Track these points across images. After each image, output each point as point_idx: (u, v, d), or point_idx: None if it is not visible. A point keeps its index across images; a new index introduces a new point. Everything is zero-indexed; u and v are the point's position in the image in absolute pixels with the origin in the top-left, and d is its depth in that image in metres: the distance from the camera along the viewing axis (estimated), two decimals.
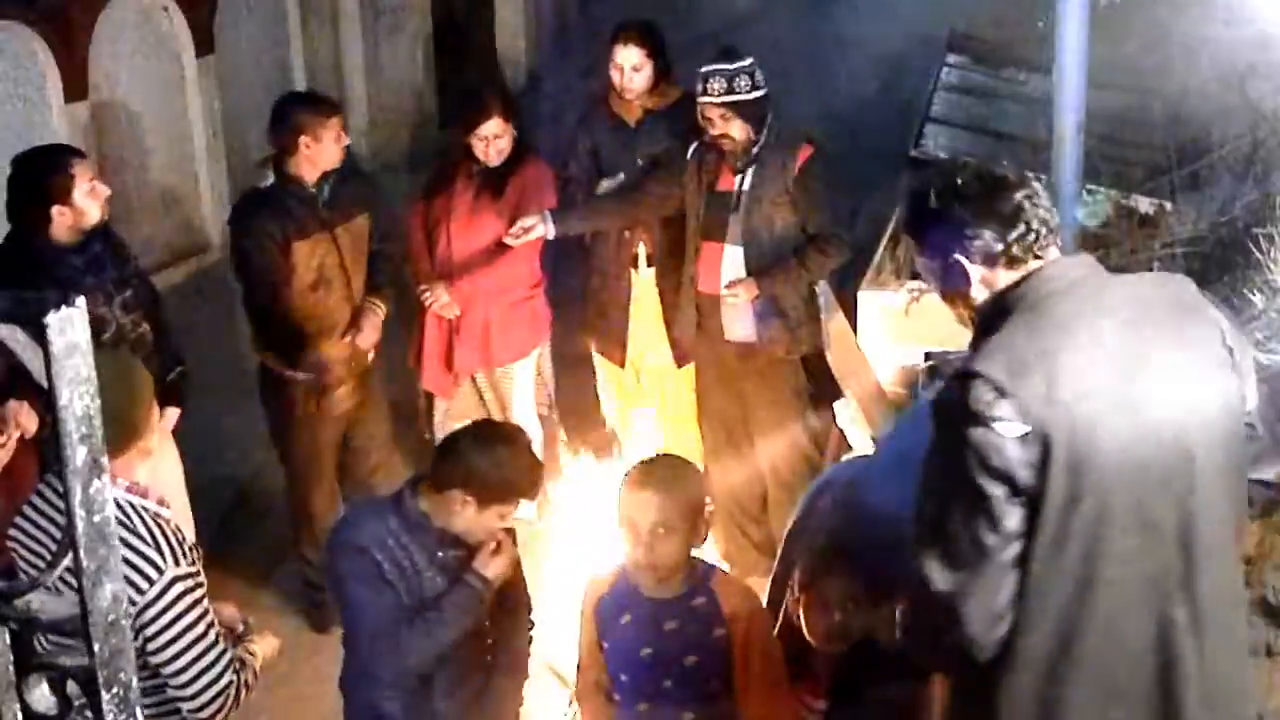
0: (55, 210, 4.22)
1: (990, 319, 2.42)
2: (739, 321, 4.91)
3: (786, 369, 5.00)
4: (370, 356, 4.99)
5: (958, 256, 2.46)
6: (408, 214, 5.43)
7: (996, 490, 2.24)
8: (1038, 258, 2.45)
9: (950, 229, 2.46)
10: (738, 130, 4.73)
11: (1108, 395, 2.29)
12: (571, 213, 5.15)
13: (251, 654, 3.05)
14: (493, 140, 5.09)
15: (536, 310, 5.45)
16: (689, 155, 4.92)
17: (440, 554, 3.28)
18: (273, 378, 4.90)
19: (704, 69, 4.74)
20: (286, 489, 5.08)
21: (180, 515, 4.86)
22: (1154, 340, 2.37)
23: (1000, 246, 2.43)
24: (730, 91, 4.68)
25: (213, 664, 2.82)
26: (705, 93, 4.72)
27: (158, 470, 4.75)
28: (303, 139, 4.65)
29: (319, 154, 4.69)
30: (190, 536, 4.84)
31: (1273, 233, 4.52)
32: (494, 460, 3.19)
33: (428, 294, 5.17)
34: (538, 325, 5.48)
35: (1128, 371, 2.32)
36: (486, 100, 5.21)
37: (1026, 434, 2.23)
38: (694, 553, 3.19)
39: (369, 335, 4.86)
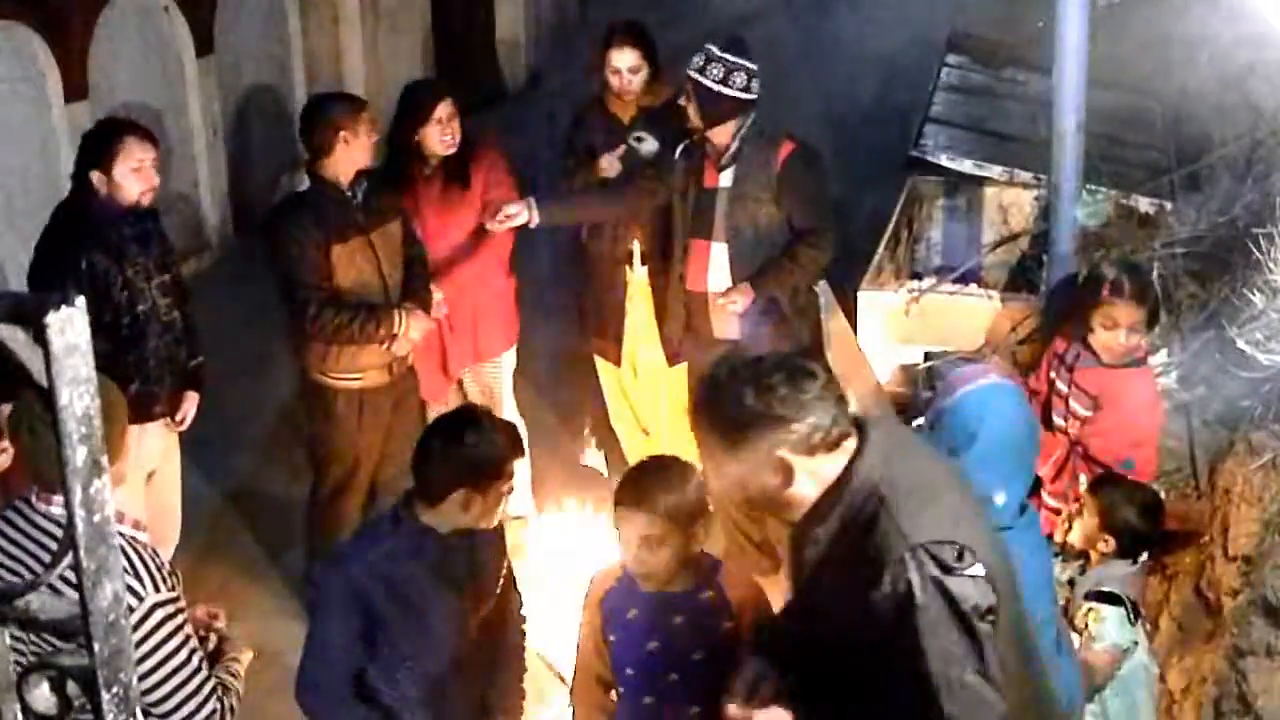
0: (95, 176, 4.37)
1: (862, 498, 2.41)
2: (728, 321, 4.92)
3: None
4: (410, 360, 4.96)
5: (783, 453, 2.38)
6: None
7: (987, 627, 2.37)
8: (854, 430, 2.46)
9: (772, 425, 2.37)
10: (693, 112, 4.75)
11: (972, 509, 2.54)
12: (556, 201, 5.13)
13: (234, 674, 3.00)
14: (448, 122, 5.00)
15: (512, 299, 5.41)
16: (677, 154, 4.93)
17: (446, 566, 3.25)
18: (315, 386, 4.84)
19: (706, 44, 4.77)
20: (314, 494, 5.03)
21: (170, 512, 4.88)
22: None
23: (823, 433, 2.38)
24: (701, 72, 4.70)
25: (195, 692, 2.76)
26: (690, 63, 4.75)
27: (163, 470, 4.78)
28: (342, 134, 4.61)
29: (356, 150, 4.65)
30: (176, 533, 4.90)
31: (1273, 233, 4.52)
32: (474, 445, 3.15)
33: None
34: (514, 313, 5.44)
35: (965, 490, 2.58)
36: (433, 87, 5.18)
37: (986, 570, 2.36)
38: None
39: (405, 342, 4.78)
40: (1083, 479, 4.05)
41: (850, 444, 2.43)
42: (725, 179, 4.83)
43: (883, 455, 2.45)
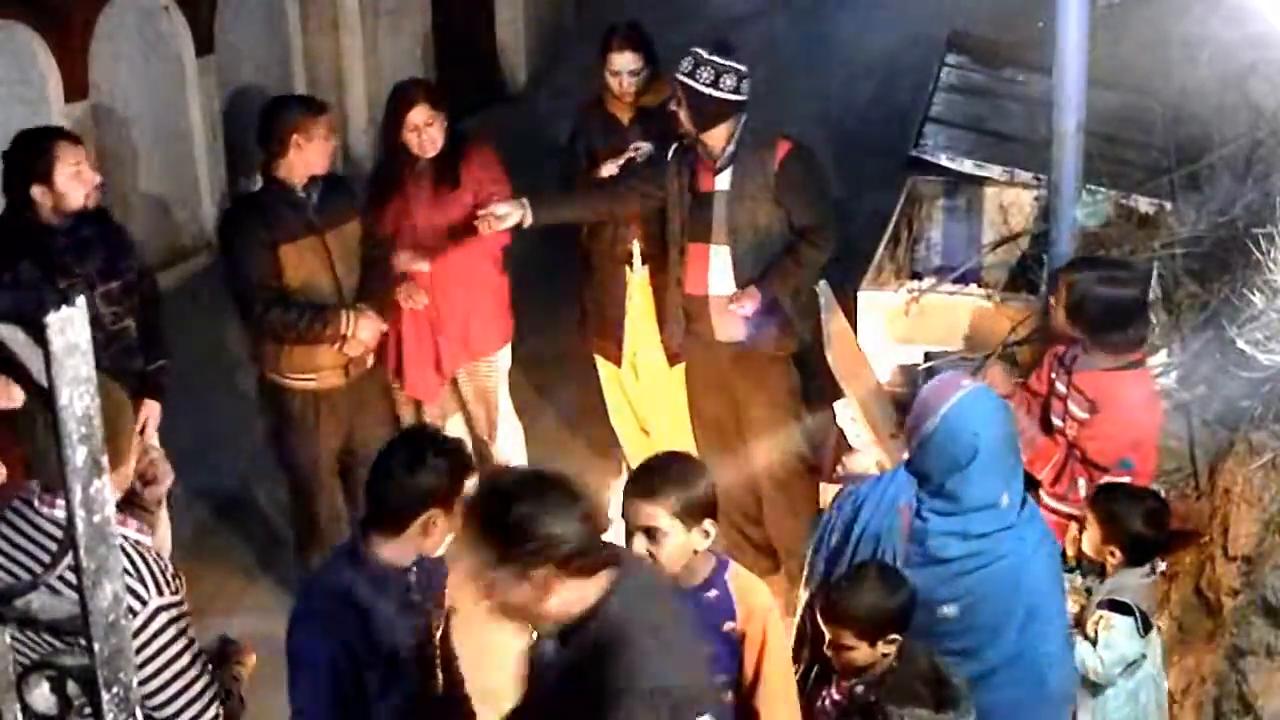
0: (36, 190, 4.26)
1: (608, 632, 2.46)
2: (730, 323, 4.91)
3: (779, 368, 5.00)
4: (370, 362, 4.95)
5: (546, 570, 2.41)
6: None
7: None
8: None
9: (543, 540, 2.40)
10: (685, 117, 4.74)
11: (702, 653, 2.76)
12: (550, 201, 5.11)
13: (237, 678, 2.99)
14: (423, 128, 5.00)
15: (506, 297, 5.41)
16: (670, 157, 4.92)
17: (410, 597, 3.19)
18: (270, 387, 4.87)
19: (691, 48, 4.75)
20: (289, 497, 5.05)
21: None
22: None
23: (584, 558, 2.44)
24: (691, 76, 4.68)
25: (198, 696, 2.75)
26: (678, 67, 4.73)
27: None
28: (296, 136, 4.60)
29: (311, 152, 4.63)
30: (168, 534, 4.87)
31: (1273, 233, 4.52)
32: (433, 468, 3.08)
33: (399, 292, 5.10)
34: (508, 311, 5.43)
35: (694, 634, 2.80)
36: (409, 90, 5.13)
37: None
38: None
39: (356, 344, 4.77)
40: (1081, 483, 4.04)
41: (605, 576, 2.50)
42: (723, 182, 4.82)
43: (634, 595, 2.52)
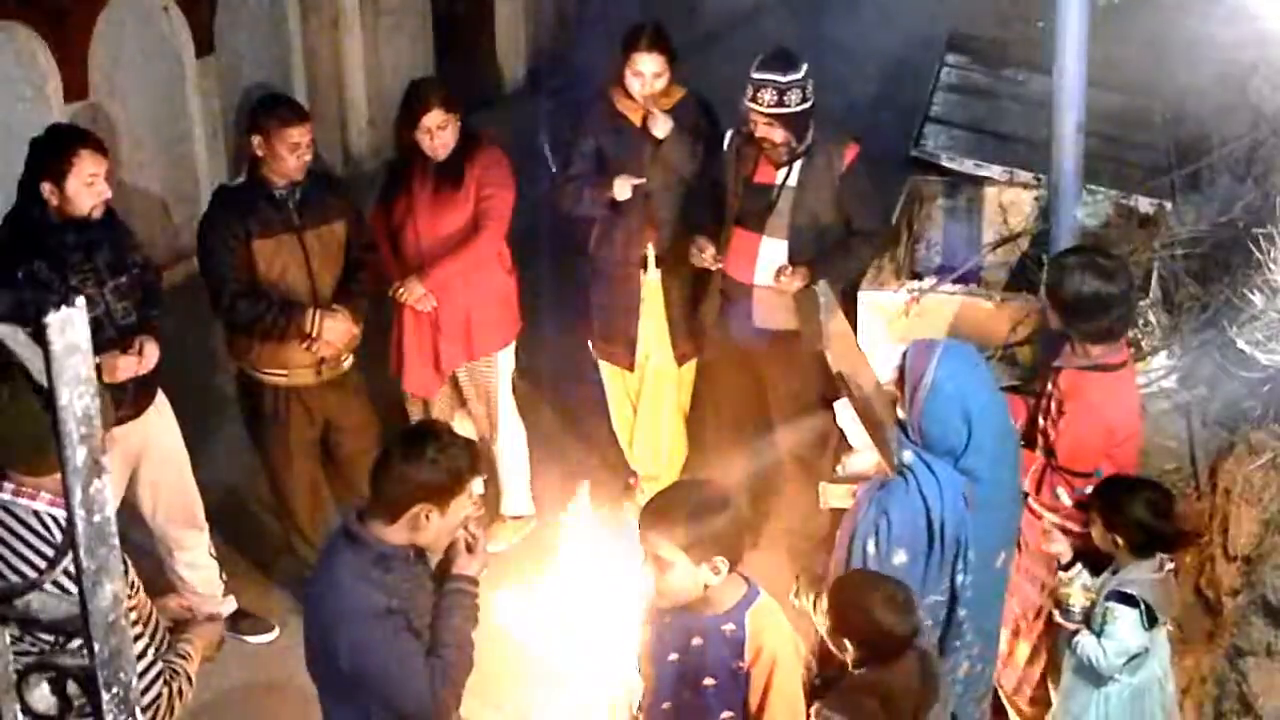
0: (45, 186, 4.24)
1: None
2: (773, 311, 4.90)
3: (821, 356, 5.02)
4: (349, 362, 4.95)
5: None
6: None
7: None
8: None
9: None
10: (779, 135, 4.73)
11: None
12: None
13: (184, 655, 2.98)
14: (436, 132, 4.99)
15: (512, 297, 5.39)
16: (726, 146, 4.92)
17: (418, 569, 3.20)
18: (244, 380, 4.90)
19: (757, 75, 4.68)
20: (269, 486, 5.10)
21: (184, 491, 4.81)
22: None
23: None
24: (780, 104, 4.66)
25: (140, 675, 2.73)
26: (755, 100, 4.68)
27: (153, 456, 4.73)
28: (254, 139, 4.63)
29: (270, 160, 4.63)
30: (200, 513, 4.89)
31: (1273, 233, 4.52)
32: (432, 461, 3.07)
33: (402, 291, 5.12)
34: (514, 312, 5.42)
35: None
36: (425, 92, 5.10)
37: None
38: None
39: (324, 345, 4.76)
40: (1061, 492, 3.99)
41: None
42: (791, 177, 4.83)
43: None
